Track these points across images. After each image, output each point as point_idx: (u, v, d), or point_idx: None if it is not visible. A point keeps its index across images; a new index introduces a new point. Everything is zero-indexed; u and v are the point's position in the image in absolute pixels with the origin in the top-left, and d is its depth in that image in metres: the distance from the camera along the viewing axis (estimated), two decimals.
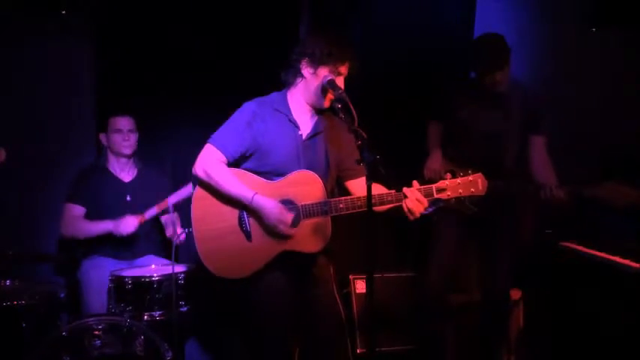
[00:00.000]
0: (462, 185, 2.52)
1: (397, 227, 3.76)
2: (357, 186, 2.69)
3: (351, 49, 2.61)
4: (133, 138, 3.41)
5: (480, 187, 2.52)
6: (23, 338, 2.67)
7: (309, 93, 2.63)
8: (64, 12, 3.51)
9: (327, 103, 2.59)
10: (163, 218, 3.46)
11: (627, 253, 2.77)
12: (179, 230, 3.06)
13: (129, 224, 3.20)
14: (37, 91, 3.63)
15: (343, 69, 2.58)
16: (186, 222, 2.66)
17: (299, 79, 2.65)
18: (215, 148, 2.59)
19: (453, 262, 3.34)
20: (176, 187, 3.35)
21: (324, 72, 2.57)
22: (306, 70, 2.61)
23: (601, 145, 3.48)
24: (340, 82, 2.57)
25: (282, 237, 2.56)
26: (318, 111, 2.70)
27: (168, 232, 3.32)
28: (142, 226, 3.28)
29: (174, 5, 3.70)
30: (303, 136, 2.66)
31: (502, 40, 3.10)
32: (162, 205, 3.24)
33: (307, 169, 2.62)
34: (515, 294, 3.50)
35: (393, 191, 2.50)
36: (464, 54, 3.85)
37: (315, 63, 2.57)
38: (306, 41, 2.65)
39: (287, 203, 2.57)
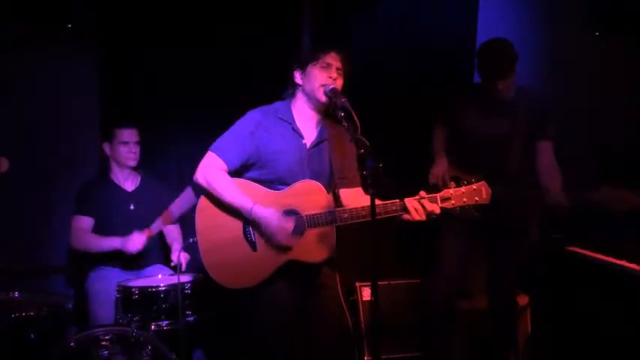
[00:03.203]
0: (467, 194, 2.53)
1: (403, 234, 3.75)
2: (349, 195, 2.69)
3: (334, 41, 2.64)
4: (138, 150, 3.43)
5: (484, 196, 2.55)
6: (31, 350, 2.69)
7: (307, 95, 2.64)
8: (69, 25, 3.54)
9: (324, 98, 2.58)
10: (168, 238, 3.47)
11: (633, 257, 2.76)
12: (180, 252, 3.09)
13: (136, 242, 3.20)
14: (41, 100, 3.65)
15: (330, 59, 2.59)
16: (191, 232, 2.67)
17: (297, 90, 2.68)
18: (216, 156, 2.60)
19: (460, 268, 3.33)
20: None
21: (312, 69, 2.59)
22: (299, 77, 2.65)
23: (600, 149, 3.48)
24: (332, 73, 2.58)
25: (286, 247, 2.57)
26: (324, 118, 2.70)
27: (174, 257, 3.32)
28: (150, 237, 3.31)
29: (177, 14, 3.72)
30: (308, 145, 2.67)
31: (507, 48, 3.07)
32: (166, 218, 3.25)
33: (312, 177, 2.62)
34: (522, 299, 3.49)
35: (397, 200, 2.50)
36: (466, 56, 3.88)
37: (304, 65, 2.61)
38: (294, 55, 2.69)
39: (291, 213, 2.57)
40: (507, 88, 3.11)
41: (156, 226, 3.27)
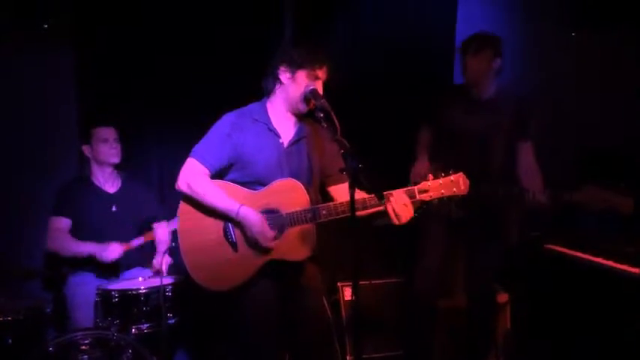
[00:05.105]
0: (444, 186, 2.52)
1: (384, 233, 3.77)
2: (340, 191, 2.69)
3: (328, 54, 2.63)
4: (119, 147, 3.41)
5: (462, 187, 2.53)
6: (9, 355, 2.66)
7: (288, 99, 2.63)
8: (46, 26, 3.50)
9: (305, 108, 2.59)
10: (157, 237, 3.45)
11: (610, 254, 2.80)
12: (163, 256, 3.08)
13: (113, 251, 3.19)
14: (18, 102, 3.60)
15: (321, 73, 2.59)
16: (172, 236, 2.66)
17: (278, 86, 2.66)
18: (197, 162, 2.60)
19: (440, 267, 3.36)
20: (161, 197, 3.34)
21: (301, 76, 2.58)
22: (284, 76, 2.62)
23: (579, 148, 3.52)
24: (319, 86, 2.58)
25: (268, 249, 2.57)
26: (301, 117, 2.70)
27: (156, 261, 3.30)
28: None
29: (155, 14, 3.70)
30: (285, 144, 2.67)
31: (480, 34, 3.18)
32: (148, 236, 3.25)
33: (291, 176, 2.62)
34: (502, 297, 3.52)
35: (373, 195, 2.49)
36: (445, 56, 3.92)
37: (293, 67, 2.59)
38: (284, 48, 2.67)
39: (272, 212, 2.58)
40: (472, 72, 3.16)
41: (136, 242, 3.26)
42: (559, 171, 3.38)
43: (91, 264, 3.26)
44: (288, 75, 2.61)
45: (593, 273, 2.84)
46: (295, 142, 2.68)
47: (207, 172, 2.60)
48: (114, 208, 3.39)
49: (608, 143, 3.46)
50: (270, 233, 2.54)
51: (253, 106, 2.71)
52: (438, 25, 4.05)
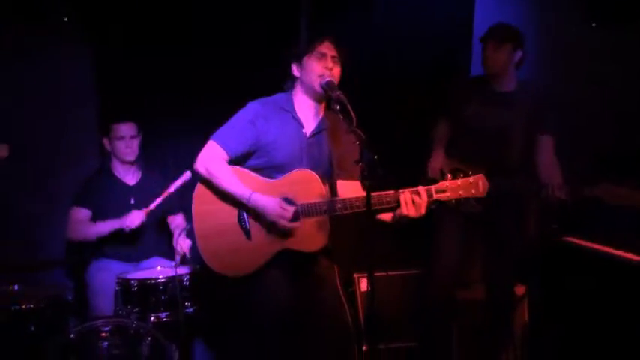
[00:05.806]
0: (462, 187, 2.50)
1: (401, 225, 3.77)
2: (344, 188, 2.70)
3: (327, 30, 2.66)
4: (136, 144, 3.43)
5: (481, 189, 2.50)
6: (32, 341, 2.71)
7: (306, 88, 2.66)
8: (66, 19, 3.54)
9: (319, 88, 2.59)
10: (172, 225, 3.49)
11: (628, 247, 2.78)
12: (182, 237, 3.11)
13: (135, 218, 3.23)
14: (41, 95, 3.65)
15: (324, 48, 2.60)
16: (187, 218, 2.69)
17: (296, 82, 2.70)
18: (217, 145, 2.63)
19: (458, 259, 3.35)
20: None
21: (307, 61, 2.61)
22: (297, 70, 2.66)
23: (595, 144, 3.48)
24: (328, 62, 2.58)
25: (282, 235, 2.58)
26: (323, 109, 2.71)
27: (177, 244, 3.33)
28: (149, 229, 3.33)
29: (175, 9, 3.72)
30: (307, 134, 2.69)
31: (503, 24, 3.17)
32: (165, 195, 3.26)
33: (310, 166, 2.64)
34: (519, 289, 3.50)
35: (392, 192, 2.48)
36: (463, 48, 3.88)
37: (300, 58, 2.63)
38: (288, 50, 2.70)
39: (286, 202, 2.59)
40: (492, 64, 3.13)
41: (154, 204, 3.27)
42: (577, 167, 3.34)
43: (113, 248, 3.32)
44: (298, 67, 2.65)
45: (612, 266, 2.81)
46: (317, 133, 2.70)
47: (226, 156, 2.62)
48: (132, 201, 3.43)
49: (627, 139, 3.41)
50: (289, 212, 2.53)
51: (279, 96, 2.74)
52: (455, 15, 4.01)
